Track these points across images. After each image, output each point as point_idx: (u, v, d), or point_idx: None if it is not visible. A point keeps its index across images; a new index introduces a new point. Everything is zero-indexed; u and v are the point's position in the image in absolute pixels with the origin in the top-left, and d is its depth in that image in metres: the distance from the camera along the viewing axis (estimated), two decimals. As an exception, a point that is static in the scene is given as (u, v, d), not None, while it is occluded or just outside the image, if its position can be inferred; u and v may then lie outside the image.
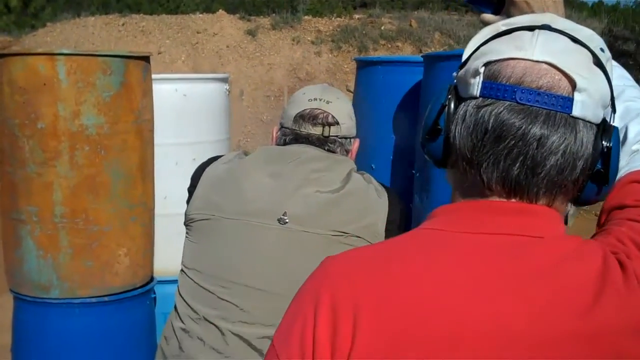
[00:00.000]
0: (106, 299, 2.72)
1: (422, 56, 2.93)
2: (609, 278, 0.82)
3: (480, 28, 0.98)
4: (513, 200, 0.86)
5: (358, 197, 1.65)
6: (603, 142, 0.85)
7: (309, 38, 13.14)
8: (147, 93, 2.89)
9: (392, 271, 0.82)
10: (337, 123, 1.76)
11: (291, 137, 1.78)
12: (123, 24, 13.08)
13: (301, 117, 1.77)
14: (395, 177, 2.99)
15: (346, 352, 0.78)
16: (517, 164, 0.83)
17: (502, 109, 0.83)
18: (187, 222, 1.75)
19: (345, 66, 12.54)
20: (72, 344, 2.72)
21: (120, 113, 2.72)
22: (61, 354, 2.72)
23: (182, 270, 1.75)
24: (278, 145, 1.80)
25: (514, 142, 0.83)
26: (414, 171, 2.98)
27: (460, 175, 0.89)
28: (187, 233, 1.76)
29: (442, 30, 13.74)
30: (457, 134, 0.87)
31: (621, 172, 1.01)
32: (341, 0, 20.91)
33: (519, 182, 0.84)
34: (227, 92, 3.36)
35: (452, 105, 0.88)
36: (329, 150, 1.76)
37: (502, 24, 0.92)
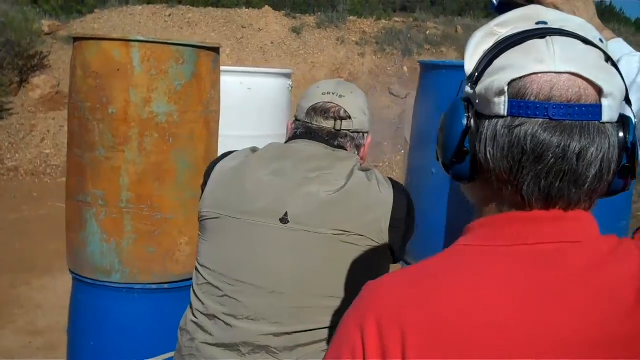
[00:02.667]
0: (166, 286, 2.74)
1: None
2: None
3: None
4: (552, 209, 0.85)
5: (359, 195, 1.63)
6: (627, 138, 0.85)
7: (353, 39, 13.12)
8: (216, 84, 2.90)
9: (433, 290, 0.82)
10: (349, 117, 1.76)
11: (302, 130, 1.77)
12: (169, 15, 13.19)
13: (313, 110, 1.76)
14: (457, 183, 2.96)
15: None
16: (559, 180, 0.83)
17: (536, 127, 0.82)
18: (199, 220, 1.77)
19: (389, 68, 12.50)
20: (130, 328, 2.74)
21: (190, 102, 2.74)
22: (118, 337, 2.74)
23: (196, 266, 1.77)
24: (290, 138, 1.80)
25: (554, 160, 0.82)
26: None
27: (494, 190, 0.88)
28: (199, 230, 1.78)
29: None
30: (488, 154, 0.85)
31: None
32: (381, 2, 20.84)
33: (561, 195, 0.84)
34: (290, 88, 3.37)
35: (474, 125, 0.87)
36: (339, 145, 1.75)
37: (494, 25, 0.91)
